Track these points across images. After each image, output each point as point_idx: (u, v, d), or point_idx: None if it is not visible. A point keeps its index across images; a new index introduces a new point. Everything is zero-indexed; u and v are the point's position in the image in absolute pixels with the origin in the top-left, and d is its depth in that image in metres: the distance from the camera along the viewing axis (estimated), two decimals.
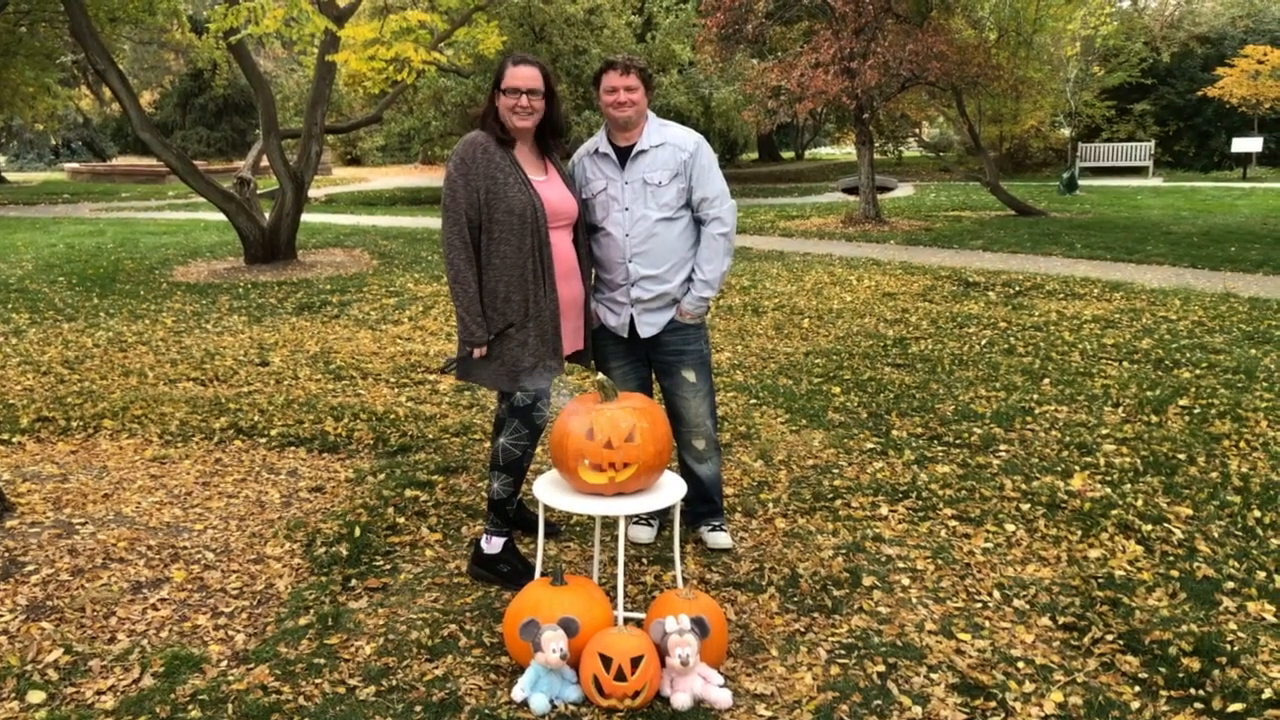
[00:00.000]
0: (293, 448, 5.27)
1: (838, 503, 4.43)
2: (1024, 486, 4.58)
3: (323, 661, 3.10)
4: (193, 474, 4.85)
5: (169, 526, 4.19)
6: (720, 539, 3.93)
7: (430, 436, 5.40)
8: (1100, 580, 3.63)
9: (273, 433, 5.45)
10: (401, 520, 4.21)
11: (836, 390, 6.30)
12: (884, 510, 4.34)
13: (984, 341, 7.66)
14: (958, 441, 5.27)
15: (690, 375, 3.79)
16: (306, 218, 18.12)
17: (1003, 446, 5.18)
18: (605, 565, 3.77)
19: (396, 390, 6.50)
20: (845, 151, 45.52)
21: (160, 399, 6.16)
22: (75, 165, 33.25)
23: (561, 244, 3.53)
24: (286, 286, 10.86)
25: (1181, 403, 5.82)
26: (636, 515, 3.81)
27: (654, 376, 3.94)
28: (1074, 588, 3.59)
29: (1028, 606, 3.47)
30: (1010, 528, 4.13)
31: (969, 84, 16.41)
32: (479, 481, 4.71)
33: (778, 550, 3.94)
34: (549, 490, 3.21)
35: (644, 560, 3.86)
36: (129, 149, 42.21)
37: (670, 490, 3.21)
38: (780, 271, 11.47)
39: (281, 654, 3.15)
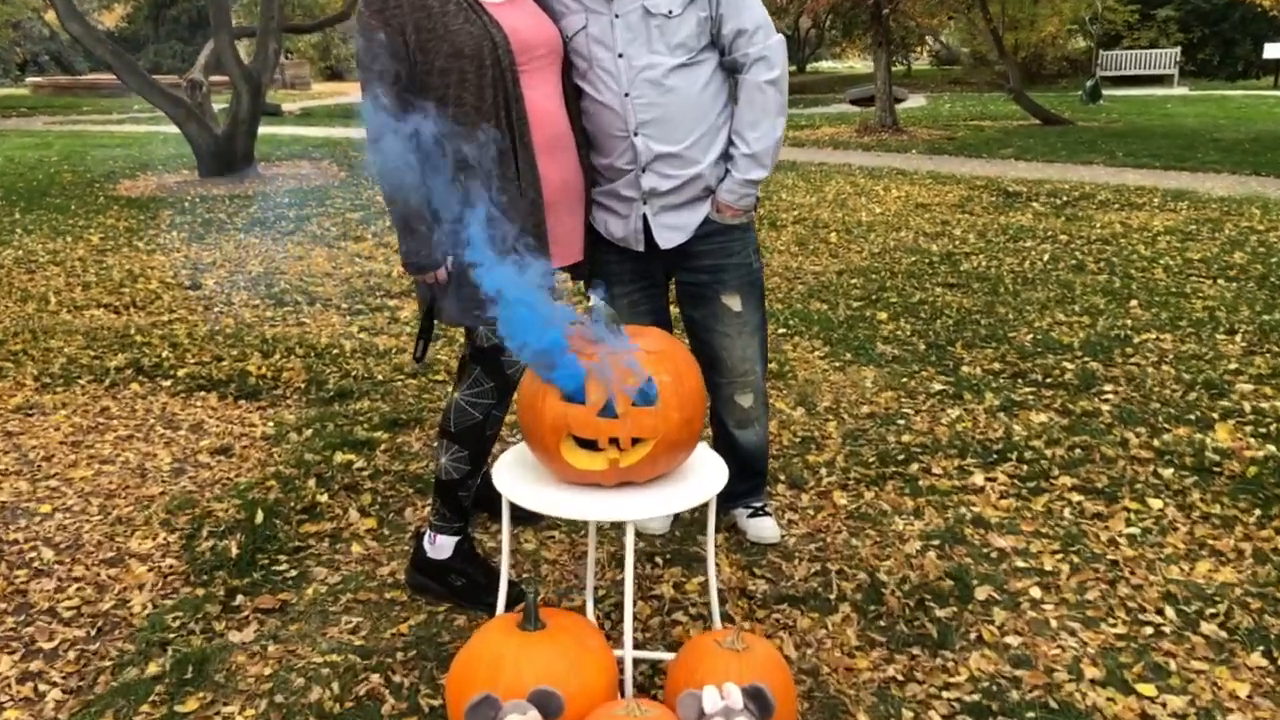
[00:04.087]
0: (203, 392, 4.13)
1: (913, 467, 3.32)
2: (1154, 442, 3.46)
3: None
4: (63, 430, 3.71)
5: (2, 508, 3.06)
6: (765, 528, 2.82)
7: (379, 378, 4.26)
8: None
9: (181, 373, 4.31)
10: (324, 498, 3.08)
11: (882, 316, 5.16)
12: (978, 478, 3.23)
13: (1046, 257, 6.50)
14: (1048, 380, 4.14)
15: (734, 301, 2.63)
16: (275, 130, 16.76)
17: (1108, 387, 4.06)
18: (604, 568, 2.67)
19: (347, 318, 5.34)
20: (848, 65, 43.69)
21: (53, 330, 4.99)
22: (37, 79, 31.46)
23: (541, 97, 2.35)
24: (239, 200, 9.61)
25: None
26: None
27: (678, 308, 2.79)
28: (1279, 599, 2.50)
29: (1223, 633, 2.37)
30: (1155, 504, 3.02)
31: None
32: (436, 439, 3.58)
33: (843, 541, 2.83)
34: (516, 478, 2.08)
35: (657, 560, 2.75)
36: (99, 67, 40.21)
37: (704, 478, 2.08)
38: (796, 182, 10.24)
39: None
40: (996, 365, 4.36)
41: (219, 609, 2.48)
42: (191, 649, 2.30)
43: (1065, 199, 8.93)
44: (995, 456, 3.39)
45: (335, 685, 2.17)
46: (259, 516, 2.91)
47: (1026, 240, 7.08)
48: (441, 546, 2.53)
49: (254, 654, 2.30)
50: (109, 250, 7.25)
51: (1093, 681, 2.18)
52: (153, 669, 2.23)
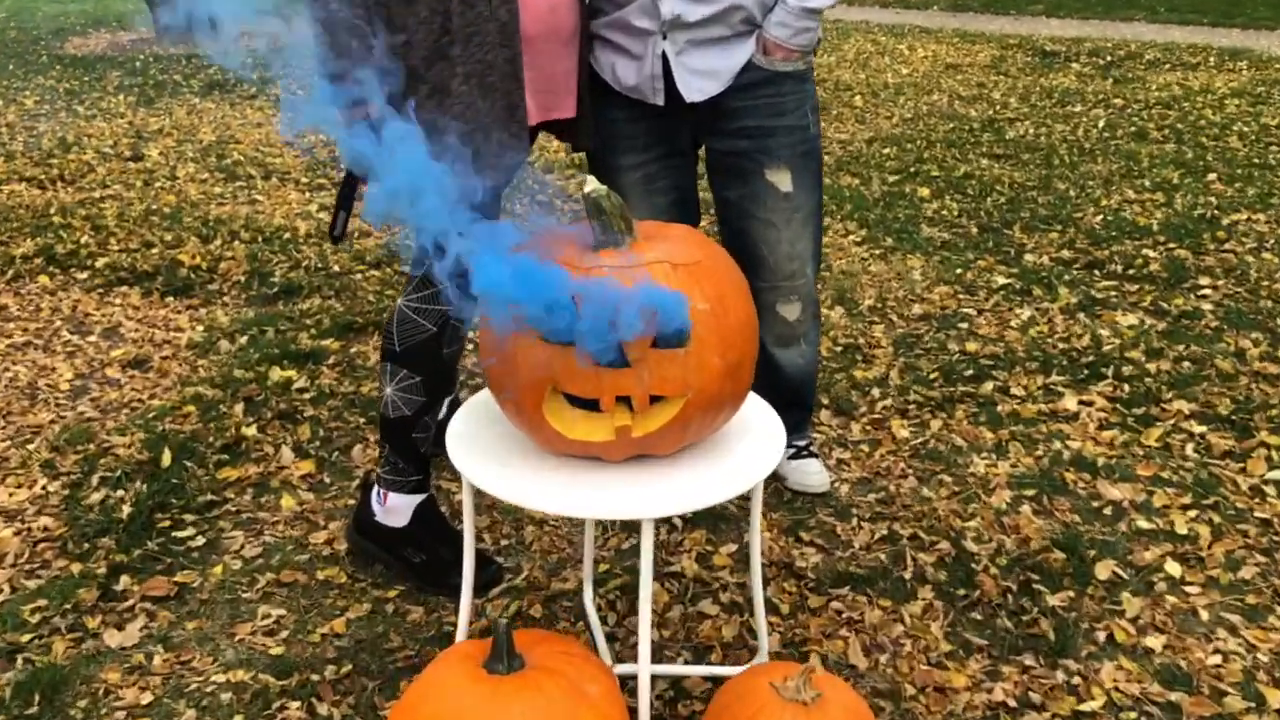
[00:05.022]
0: (124, 287, 3.46)
1: (987, 386, 2.68)
2: (1277, 353, 2.83)
3: None
4: None
5: None
6: (811, 473, 2.20)
7: (336, 269, 3.58)
8: None
9: (100, 263, 3.62)
10: (251, 431, 2.45)
11: (924, 192, 4.45)
12: (1069, 401, 2.60)
13: (1101, 124, 5.74)
14: (1130, 272, 3.48)
15: (782, 178, 1.93)
16: None
17: (1203, 280, 3.40)
18: (606, 532, 2.06)
19: (307, 194, 4.63)
20: None
21: None
22: None
23: None
24: (198, 60, 8.70)
25: None
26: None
27: (708, 186, 2.09)
28: None
29: None
30: None
31: None
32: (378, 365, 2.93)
33: (910, 490, 2.22)
34: (478, 447, 1.44)
35: (674, 521, 2.13)
36: None
37: (752, 446, 1.44)
38: None
39: None
40: (1066, 253, 3.69)
41: (96, 595, 1.87)
42: (47, 661, 1.70)
43: (1110, 58, 8.07)
44: (1086, 372, 2.75)
45: (240, 717, 1.58)
46: (166, 458, 2.28)
47: (1075, 105, 6.30)
48: (395, 509, 1.91)
49: (132, 668, 1.70)
50: (42, 115, 6.44)
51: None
52: None
